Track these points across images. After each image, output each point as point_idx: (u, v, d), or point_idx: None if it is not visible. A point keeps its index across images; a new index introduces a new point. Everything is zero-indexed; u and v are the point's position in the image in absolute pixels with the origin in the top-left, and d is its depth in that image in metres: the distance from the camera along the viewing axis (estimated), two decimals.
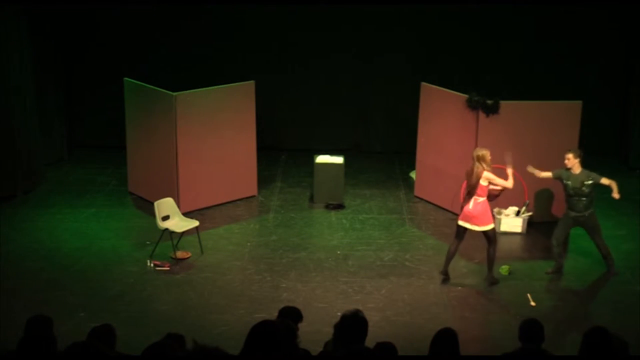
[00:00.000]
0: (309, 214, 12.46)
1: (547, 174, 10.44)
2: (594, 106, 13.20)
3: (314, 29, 14.62)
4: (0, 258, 10.72)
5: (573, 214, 10.30)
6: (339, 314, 9.10)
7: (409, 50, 14.62)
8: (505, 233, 11.74)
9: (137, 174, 12.79)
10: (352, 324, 5.26)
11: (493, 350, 8.10)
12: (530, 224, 11.78)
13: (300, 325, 6.49)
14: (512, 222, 11.73)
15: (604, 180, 10.20)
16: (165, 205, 11.02)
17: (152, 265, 10.65)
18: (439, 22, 14.44)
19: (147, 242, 11.21)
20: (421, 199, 12.92)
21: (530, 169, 10.60)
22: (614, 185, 10.23)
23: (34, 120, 13.08)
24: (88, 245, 11.26)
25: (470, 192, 10.03)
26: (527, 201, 11.79)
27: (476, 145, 11.77)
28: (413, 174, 13.29)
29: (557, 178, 10.39)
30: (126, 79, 12.64)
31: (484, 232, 10.14)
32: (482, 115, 11.71)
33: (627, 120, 14.56)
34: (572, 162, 10.20)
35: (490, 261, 10.24)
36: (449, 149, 12.27)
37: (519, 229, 11.72)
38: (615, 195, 10.17)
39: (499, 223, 11.73)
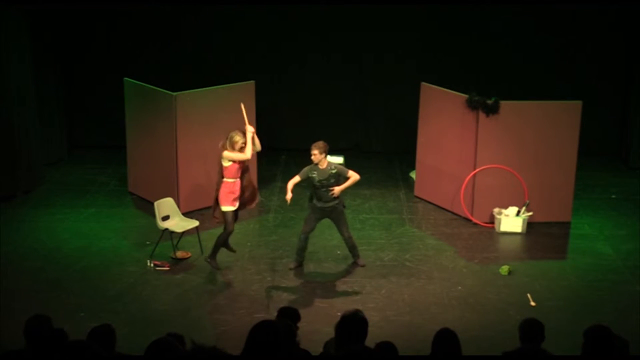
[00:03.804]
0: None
1: (295, 180, 10.28)
2: (594, 106, 13.20)
3: (314, 29, 14.62)
4: (0, 258, 10.73)
5: (320, 204, 10.27)
6: (339, 314, 9.13)
7: (409, 50, 14.61)
8: (505, 233, 11.74)
9: (137, 174, 12.79)
10: (352, 324, 5.26)
11: (493, 350, 8.10)
12: (530, 224, 11.77)
13: (300, 325, 6.50)
14: (512, 222, 11.72)
15: (349, 174, 10.15)
16: (165, 205, 11.02)
17: (152, 265, 10.65)
18: (439, 22, 14.44)
19: (147, 242, 11.21)
20: (421, 199, 12.92)
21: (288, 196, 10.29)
22: (349, 182, 10.16)
23: (34, 121, 13.08)
24: (88, 245, 11.26)
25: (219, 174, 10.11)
26: (527, 201, 11.78)
27: (476, 145, 11.79)
28: (413, 174, 13.29)
29: (306, 177, 10.26)
30: (126, 79, 12.64)
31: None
32: (482, 115, 11.71)
33: (627, 120, 14.56)
34: (318, 157, 10.13)
35: (216, 245, 10.27)
36: (449, 149, 12.27)
37: (519, 229, 11.72)
38: (335, 191, 10.11)
39: (499, 223, 11.73)
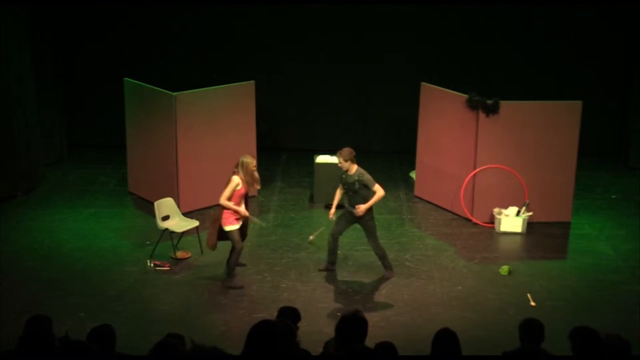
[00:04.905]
0: (309, 214, 12.46)
1: (338, 193, 10.33)
2: (594, 106, 13.20)
3: (314, 29, 14.62)
4: (0, 258, 10.73)
5: (349, 208, 10.21)
6: (339, 314, 9.15)
7: (409, 50, 14.61)
8: (505, 233, 11.73)
9: (137, 174, 12.79)
10: (352, 324, 5.27)
11: (493, 350, 8.09)
12: (530, 224, 11.77)
13: (300, 325, 6.50)
14: (512, 222, 11.72)
15: (375, 188, 9.96)
16: (165, 205, 11.02)
17: (152, 265, 10.65)
18: (440, 22, 14.44)
19: (147, 242, 11.21)
20: (421, 199, 12.92)
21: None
22: (374, 199, 9.95)
23: (34, 120, 13.08)
24: (88, 245, 11.26)
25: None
26: (527, 201, 11.78)
27: (476, 145, 11.79)
28: (413, 174, 13.29)
29: (342, 182, 10.24)
30: (126, 79, 12.64)
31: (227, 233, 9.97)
32: (482, 115, 11.70)
33: (627, 120, 14.56)
34: (345, 165, 10.05)
35: (230, 268, 10.05)
36: (449, 149, 12.27)
37: (519, 229, 11.72)
38: (359, 210, 9.97)
39: (499, 223, 11.73)
